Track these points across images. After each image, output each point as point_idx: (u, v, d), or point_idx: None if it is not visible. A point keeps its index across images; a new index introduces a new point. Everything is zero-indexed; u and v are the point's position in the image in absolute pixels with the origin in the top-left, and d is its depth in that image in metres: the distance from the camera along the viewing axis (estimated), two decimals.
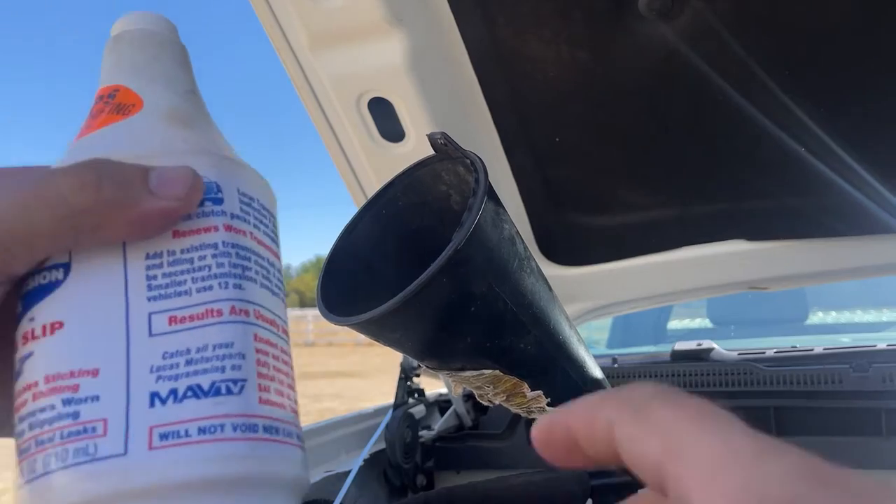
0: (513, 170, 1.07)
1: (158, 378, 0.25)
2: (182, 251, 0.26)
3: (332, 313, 0.42)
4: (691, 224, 1.13)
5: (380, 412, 1.31)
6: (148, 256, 0.26)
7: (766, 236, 1.13)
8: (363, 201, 0.51)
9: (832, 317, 2.10)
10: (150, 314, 0.25)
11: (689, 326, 2.24)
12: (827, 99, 0.90)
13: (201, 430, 0.24)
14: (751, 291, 1.31)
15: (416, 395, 1.30)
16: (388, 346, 0.43)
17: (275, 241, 0.30)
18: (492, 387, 0.45)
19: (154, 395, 0.24)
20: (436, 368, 0.45)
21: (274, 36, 0.92)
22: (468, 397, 1.34)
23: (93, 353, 0.25)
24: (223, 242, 0.27)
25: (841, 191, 0.98)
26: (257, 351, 0.26)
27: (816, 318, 2.09)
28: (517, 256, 0.43)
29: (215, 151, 0.29)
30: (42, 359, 0.25)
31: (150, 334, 0.25)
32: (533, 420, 0.49)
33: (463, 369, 0.44)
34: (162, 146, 0.28)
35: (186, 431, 0.24)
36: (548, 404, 0.47)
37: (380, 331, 0.41)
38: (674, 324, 2.26)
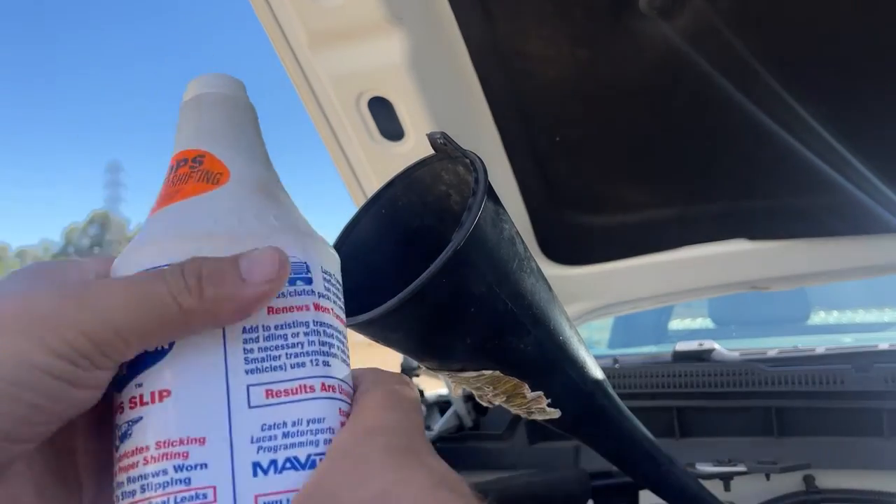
0: (513, 169, 1.07)
1: (259, 449, 0.27)
2: (276, 327, 0.28)
3: None
4: (692, 223, 1.12)
5: None
6: (245, 331, 0.28)
7: (767, 236, 1.12)
8: (363, 201, 0.50)
9: (834, 317, 2.10)
10: (248, 386, 0.27)
11: (690, 326, 2.24)
12: (828, 97, 0.90)
13: None
14: (752, 291, 1.31)
15: None
16: (388, 346, 0.43)
17: (343, 310, 0.32)
18: (492, 387, 0.45)
19: (256, 465, 0.27)
20: (436, 369, 0.45)
21: (273, 35, 0.92)
22: (468, 398, 1.34)
23: (200, 421, 0.27)
24: (314, 321, 0.29)
25: (843, 190, 0.98)
26: (341, 424, 0.29)
27: (818, 318, 2.09)
28: (517, 256, 0.42)
29: (302, 229, 0.31)
30: (153, 425, 0.27)
31: (249, 406, 0.27)
32: (533, 421, 0.49)
33: (463, 370, 0.43)
34: (257, 224, 0.30)
35: (288, 500, 0.26)
36: (548, 405, 0.47)
37: (379, 331, 0.41)
38: (675, 324, 2.26)
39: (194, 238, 0.29)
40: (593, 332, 2.15)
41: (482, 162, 0.42)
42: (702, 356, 1.24)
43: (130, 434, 0.27)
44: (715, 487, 0.72)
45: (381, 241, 0.47)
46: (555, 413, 0.48)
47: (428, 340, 0.42)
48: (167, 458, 0.26)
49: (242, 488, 0.26)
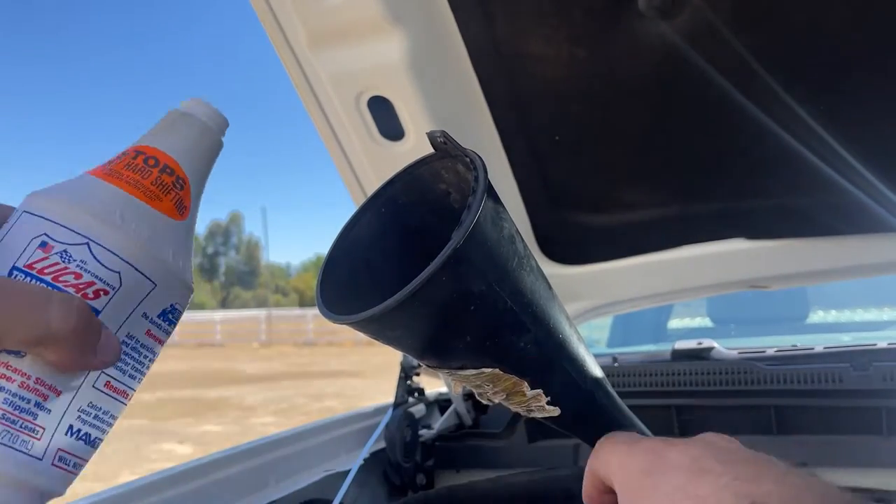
0: (513, 168, 1.07)
1: (79, 417, 0.37)
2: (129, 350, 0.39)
3: (331, 312, 0.42)
4: (691, 223, 1.13)
5: (380, 411, 1.31)
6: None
7: (766, 235, 1.13)
8: (362, 200, 0.51)
9: (833, 315, 2.10)
10: (102, 372, 0.37)
11: (689, 325, 2.24)
12: (827, 97, 0.90)
13: None
14: (751, 290, 1.31)
15: (416, 395, 1.30)
16: (388, 344, 0.43)
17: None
18: (491, 385, 0.45)
19: (70, 427, 0.36)
20: (435, 367, 0.45)
21: (273, 34, 0.92)
22: (468, 396, 1.34)
23: (63, 380, 0.36)
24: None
25: (841, 189, 0.98)
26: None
27: (817, 316, 2.09)
28: (517, 255, 0.42)
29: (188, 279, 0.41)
30: (38, 367, 0.35)
31: (93, 385, 0.37)
32: (533, 419, 0.49)
33: (462, 368, 0.44)
34: (179, 268, 0.39)
35: (75, 464, 0.36)
36: (547, 403, 0.47)
37: (379, 329, 0.41)
38: (674, 323, 2.26)
39: (134, 239, 0.36)
40: (593, 331, 2.15)
41: (482, 160, 0.42)
42: (701, 355, 1.24)
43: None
44: None
45: (381, 240, 0.47)
46: (554, 411, 0.48)
47: (428, 338, 0.42)
48: (32, 391, 0.33)
49: (58, 439, 0.34)
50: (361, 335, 0.43)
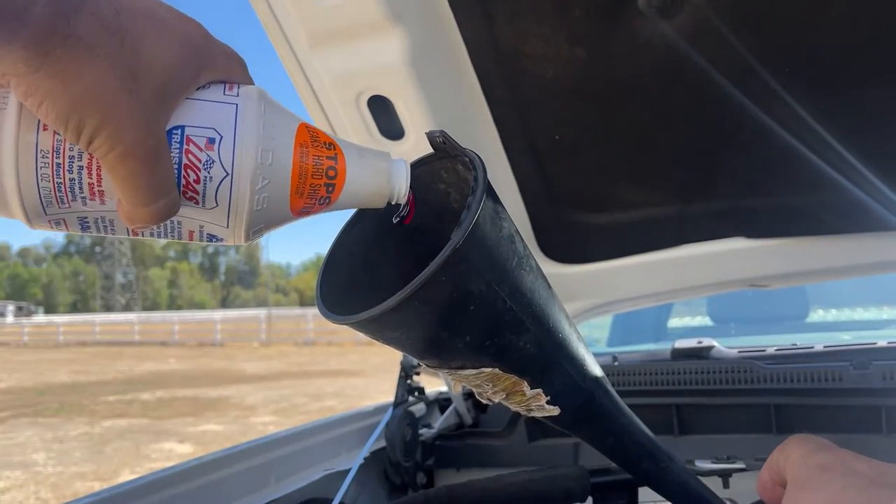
0: (512, 168, 1.07)
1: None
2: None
3: (331, 312, 0.42)
4: (691, 222, 1.13)
5: (380, 410, 1.31)
6: None
7: (766, 234, 1.13)
8: None
9: (832, 314, 2.10)
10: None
11: (689, 324, 2.24)
12: (827, 96, 0.90)
13: None
14: (751, 289, 1.31)
15: (416, 394, 1.30)
16: (388, 344, 0.43)
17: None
18: (491, 385, 0.45)
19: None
20: (435, 367, 0.45)
21: (273, 34, 0.92)
22: (468, 395, 1.34)
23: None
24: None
25: (841, 188, 0.98)
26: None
27: (817, 315, 2.09)
28: (516, 255, 0.42)
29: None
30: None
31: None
32: (533, 418, 0.49)
33: (462, 367, 0.44)
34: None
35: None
36: (547, 402, 0.47)
37: (379, 329, 0.41)
38: (674, 322, 2.26)
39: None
40: (593, 330, 2.15)
41: (481, 160, 0.42)
42: (701, 354, 1.24)
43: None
44: (714, 484, 0.72)
45: (381, 239, 0.47)
46: (554, 410, 0.48)
47: (427, 338, 0.42)
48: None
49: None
50: (361, 334, 0.43)
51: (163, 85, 0.36)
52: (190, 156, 0.38)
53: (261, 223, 0.40)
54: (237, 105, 0.39)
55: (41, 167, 0.37)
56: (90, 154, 0.36)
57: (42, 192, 0.37)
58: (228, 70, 0.40)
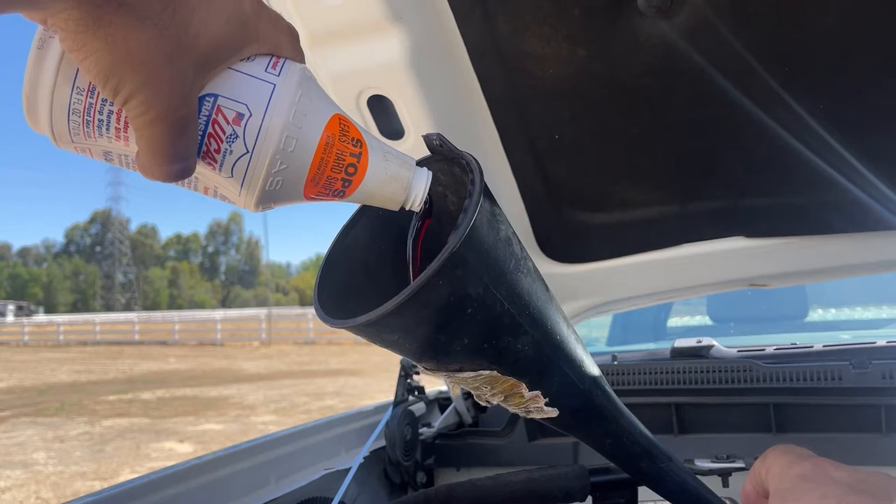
0: (512, 167, 1.07)
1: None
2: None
3: (328, 316, 0.42)
4: (691, 221, 1.13)
5: (380, 410, 1.31)
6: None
7: (765, 233, 1.13)
8: None
9: (832, 314, 2.10)
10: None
11: (688, 324, 2.24)
12: (826, 95, 0.90)
13: None
14: (751, 288, 1.31)
15: (416, 393, 1.30)
16: (386, 347, 0.43)
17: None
18: (489, 387, 0.45)
19: None
20: (433, 369, 0.45)
21: None
22: (468, 395, 1.34)
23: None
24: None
25: (841, 188, 0.98)
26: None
27: (816, 314, 2.09)
28: (513, 257, 0.42)
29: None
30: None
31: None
32: (532, 419, 0.49)
33: (461, 370, 0.44)
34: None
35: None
36: (546, 404, 0.47)
37: (377, 333, 0.41)
38: (674, 321, 2.26)
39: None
40: (592, 330, 2.15)
41: (478, 163, 0.42)
42: (700, 353, 1.24)
43: None
44: (713, 483, 0.72)
45: (378, 242, 0.47)
46: (552, 412, 0.48)
47: (425, 342, 0.42)
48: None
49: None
50: (360, 337, 0.43)
51: (204, 57, 0.36)
52: (216, 126, 0.38)
53: (271, 200, 0.41)
54: (274, 86, 0.39)
55: (74, 102, 0.38)
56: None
57: (71, 124, 0.38)
58: (277, 44, 0.40)
